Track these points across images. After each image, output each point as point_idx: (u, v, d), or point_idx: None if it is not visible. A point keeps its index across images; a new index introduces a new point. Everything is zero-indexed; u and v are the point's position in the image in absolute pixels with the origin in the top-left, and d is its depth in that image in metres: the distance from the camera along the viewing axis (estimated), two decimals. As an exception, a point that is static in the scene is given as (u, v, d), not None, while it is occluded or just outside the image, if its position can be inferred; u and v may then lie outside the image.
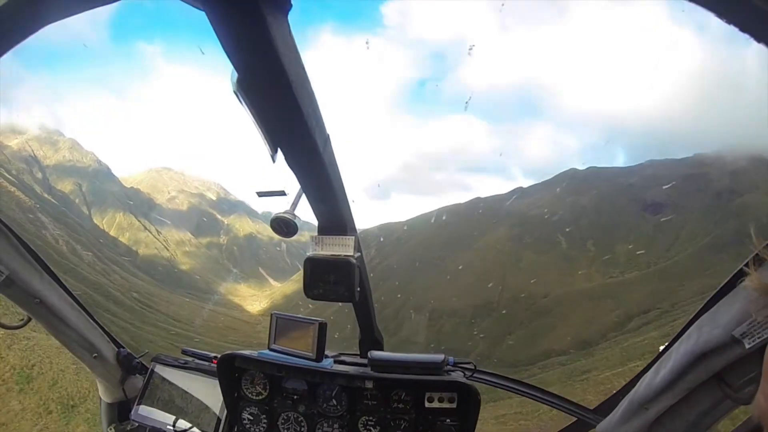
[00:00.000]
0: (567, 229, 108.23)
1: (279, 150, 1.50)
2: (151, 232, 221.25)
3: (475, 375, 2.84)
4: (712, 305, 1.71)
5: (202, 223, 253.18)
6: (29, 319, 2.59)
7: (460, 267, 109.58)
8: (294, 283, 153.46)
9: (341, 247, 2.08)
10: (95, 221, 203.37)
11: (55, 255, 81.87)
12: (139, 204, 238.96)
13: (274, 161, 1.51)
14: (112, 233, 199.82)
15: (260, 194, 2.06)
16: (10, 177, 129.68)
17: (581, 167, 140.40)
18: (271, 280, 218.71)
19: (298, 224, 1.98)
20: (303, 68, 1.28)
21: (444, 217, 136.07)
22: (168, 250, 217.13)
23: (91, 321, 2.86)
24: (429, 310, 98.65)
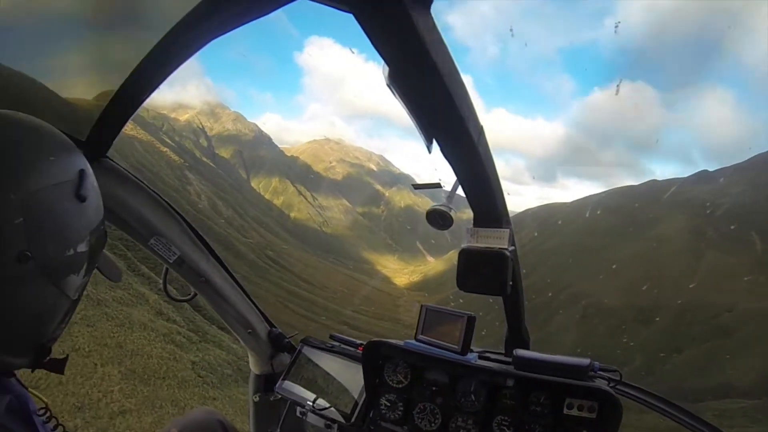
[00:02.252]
0: (764, 227, 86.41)
1: (434, 141, 1.55)
2: (306, 198, 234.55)
3: (620, 386, 2.66)
4: None
5: (361, 192, 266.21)
6: (195, 295, 2.99)
7: (625, 259, 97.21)
8: (448, 261, 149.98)
9: (495, 240, 2.08)
10: (252, 185, 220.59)
11: (191, 209, 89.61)
12: (296, 171, 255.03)
13: (429, 152, 1.55)
14: (267, 196, 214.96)
15: (416, 187, 2.14)
16: (170, 142, 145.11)
17: None
18: (427, 256, 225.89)
19: (453, 216, 2.00)
20: (451, 59, 1.29)
21: (613, 201, 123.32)
22: (321, 216, 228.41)
23: (248, 301, 3.22)
24: (582, 306, 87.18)
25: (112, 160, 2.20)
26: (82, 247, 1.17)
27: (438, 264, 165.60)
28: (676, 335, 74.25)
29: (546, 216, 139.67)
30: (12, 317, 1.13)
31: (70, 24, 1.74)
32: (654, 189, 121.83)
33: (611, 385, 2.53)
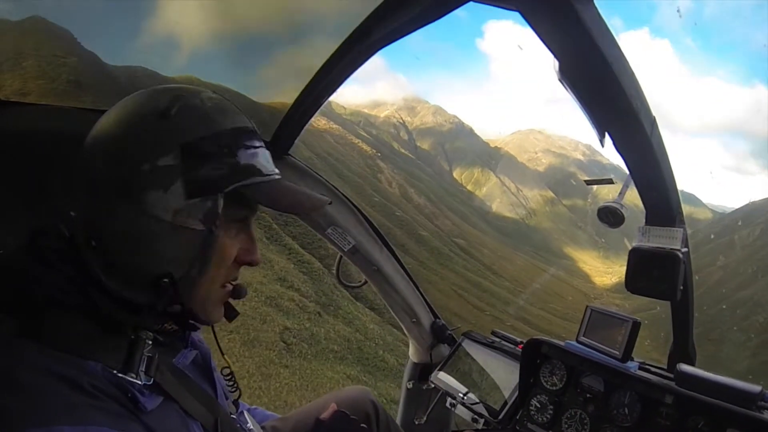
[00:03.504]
0: None
1: (607, 134, 1.57)
2: (509, 189, 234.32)
3: None
4: None
5: (567, 184, 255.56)
6: (365, 282, 3.26)
7: None
8: None
9: (668, 240, 2.04)
10: (454, 176, 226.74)
11: (375, 194, 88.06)
12: (499, 161, 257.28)
13: (602, 145, 1.57)
14: (469, 187, 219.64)
15: (588, 182, 2.26)
16: (366, 135, 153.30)
17: None
18: None
19: (625, 214, 2.03)
20: (620, 50, 1.32)
21: None
22: (524, 207, 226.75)
23: (417, 291, 3.39)
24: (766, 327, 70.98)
25: (294, 158, 2.55)
26: (167, 161, 1.14)
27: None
28: None
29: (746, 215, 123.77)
30: (107, 243, 1.16)
31: (262, 42, 2.18)
32: None
33: None
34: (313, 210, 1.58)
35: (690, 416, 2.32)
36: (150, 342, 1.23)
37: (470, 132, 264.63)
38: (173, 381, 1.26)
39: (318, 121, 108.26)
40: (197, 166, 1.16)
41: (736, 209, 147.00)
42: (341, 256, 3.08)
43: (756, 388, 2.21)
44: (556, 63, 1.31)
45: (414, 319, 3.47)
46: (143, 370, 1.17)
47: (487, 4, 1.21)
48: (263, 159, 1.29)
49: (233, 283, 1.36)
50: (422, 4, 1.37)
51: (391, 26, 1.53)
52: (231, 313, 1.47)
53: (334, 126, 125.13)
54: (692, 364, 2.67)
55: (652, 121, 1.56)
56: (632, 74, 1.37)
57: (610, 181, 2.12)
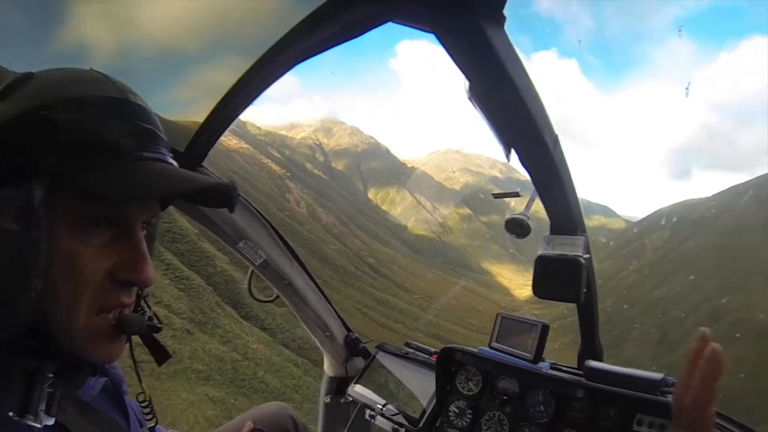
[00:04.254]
0: None
1: (513, 150, 1.68)
2: (425, 207, 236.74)
3: None
4: None
5: (483, 201, 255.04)
6: (277, 296, 3.23)
7: None
8: None
9: (571, 247, 2.19)
10: (369, 196, 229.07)
11: (280, 213, 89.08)
12: (415, 181, 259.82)
13: (508, 160, 1.72)
14: (384, 207, 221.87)
15: (496, 196, 2.41)
16: (278, 155, 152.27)
17: None
18: None
19: (531, 226, 2.19)
20: (526, 73, 1.41)
21: (763, 190, 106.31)
22: (441, 225, 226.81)
23: (328, 305, 3.45)
24: (726, 324, 72.29)
25: (207, 170, 2.53)
26: None
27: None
28: None
29: (681, 215, 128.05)
30: None
31: (175, 58, 2.20)
32: None
33: None
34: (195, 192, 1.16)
35: (601, 407, 2.50)
36: (51, 375, 1.03)
37: (386, 152, 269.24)
38: (78, 418, 1.09)
39: (228, 140, 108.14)
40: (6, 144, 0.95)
41: (647, 216, 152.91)
42: (252, 271, 3.06)
43: (658, 375, 2.44)
44: (467, 83, 1.41)
45: (327, 333, 3.51)
46: (43, 409, 1.00)
47: (404, 25, 1.29)
48: (127, 133, 1.03)
49: (118, 309, 1.10)
50: (340, 24, 1.43)
51: (307, 44, 1.59)
52: (158, 354, 1.40)
53: (245, 146, 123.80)
54: (600, 360, 2.91)
55: (555, 139, 1.67)
56: (537, 95, 1.48)
57: (516, 194, 2.23)
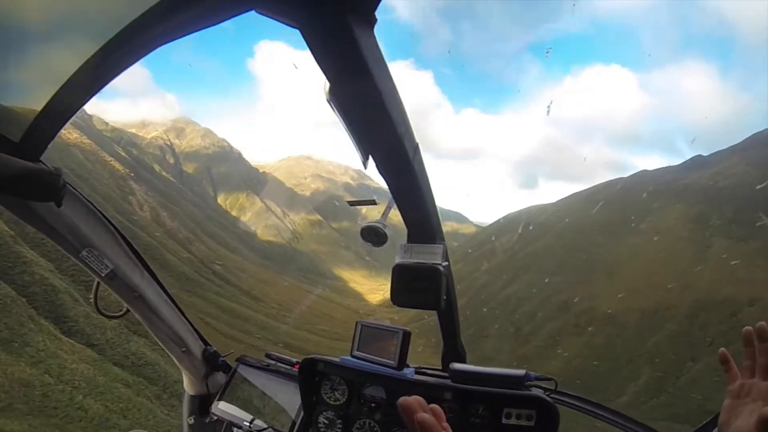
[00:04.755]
0: None
1: (370, 157, 1.63)
2: (275, 213, 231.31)
3: (555, 394, 2.87)
4: None
5: (335, 207, 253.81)
6: (127, 311, 2.96)
7: (621, 256, 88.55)
8: None
9: (429, 255, 2.18)
10: (219, 201, 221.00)
11: (120, 217, 78.50)
12: (267, 186, 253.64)
13: (365, 167, 1.65)
14: (233, 213, 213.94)
15: (351, 203, 2.42)
16: (124, 154, 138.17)
17: None
18: None
19: (388, 233, 2.13)
20: (391, 78, 1.39)
21: (601, 196, 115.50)
22: (291, 232, 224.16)
23: (183, 318, 3.23)
24: (574, 315, 79.06)
25: (46, 165, 2.09)
26: None
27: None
28: (689, 341, 63.87)
29: (529, 219, 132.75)
30: None
31: (10, 36, 1.82)
32: (646, 180, 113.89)
33: (547, 393, 2.72)
34: None
35: (470, 406, 2.60)
36: None
37: (238, 156, 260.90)
38: None
39: (69, 133, 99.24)
40: None
41: (497, 220, 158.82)
42: (99, 282, 2.75)
43: (520, 372, 2.61)
44: (327, 84, 1.34)
45: (184, 349, 3.28)
46: None
47: (268, 17, 1.20)
48: None
49: None
50: (201, 7, 1.32)
51: (163, 27, 1.42)
52: None
53: (87, 141, 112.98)
54: (463, 361, 3.02)
55: (415, 147, 1.65)
56: (400, 101, 1.45)
57: (373, 202, 2.22)
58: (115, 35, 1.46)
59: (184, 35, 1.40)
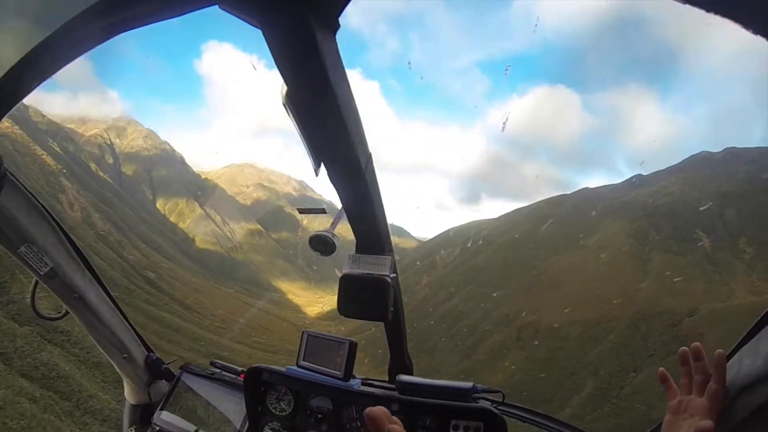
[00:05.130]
0: (708, 223, 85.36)
1: (322, 165, 1.61)
2: (215, 222, 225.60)
3: (502, 406, 2.86)
4: (754, 335, 1.69)
5: (277, 217, 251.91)
6: (66, 313, 2.80)
7: (563, 270, 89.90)
8: None
9: (377, 266, 2.16)
10: (157, 206, 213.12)
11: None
12: (208, 193, 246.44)
13: (317, 175, 1.61)
14: (172, 219, 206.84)
15: (301, 211, 2.37)
16: (59, 151, 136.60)
17: (715, 150, 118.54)
18: None
19: (336, 243, 2.08)
20: (349, 86, 1.38)
21: (543, 212, 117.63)
22: (231, 241, 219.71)
23: (125, 322, 3.08)
24: (516, 328, 79.35)
25: None
26: None
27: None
28: (632, 352, 65.88)
29: (471, 233, 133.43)
30: None
31: None
32: (587, 197, 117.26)
33: (495, 405, 2.69)
34: None
35: (418, 418, 2.60)
36: None
37: (180, 161, 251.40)
38: None
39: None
40: None
41: (438, 235, 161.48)
42: (37, 282, 2.61)
43: (468, 384, 2.62)
44: (285, 88, 1.32)
45: (125, 355, 3.12)
46: None
47: (232, 14, 1.17)
48: None
49: None
50: None
51: (120, 16, 1.32)
52: None
53: (19, 131, 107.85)
54: (410, 373, 3.01)
55: (368, 156, 1.66)
56: (356, 110, 1.45)
57: (323, 211, 2.21)
58: (65, 23, 1.25)
59: (146, 24, 1.32)
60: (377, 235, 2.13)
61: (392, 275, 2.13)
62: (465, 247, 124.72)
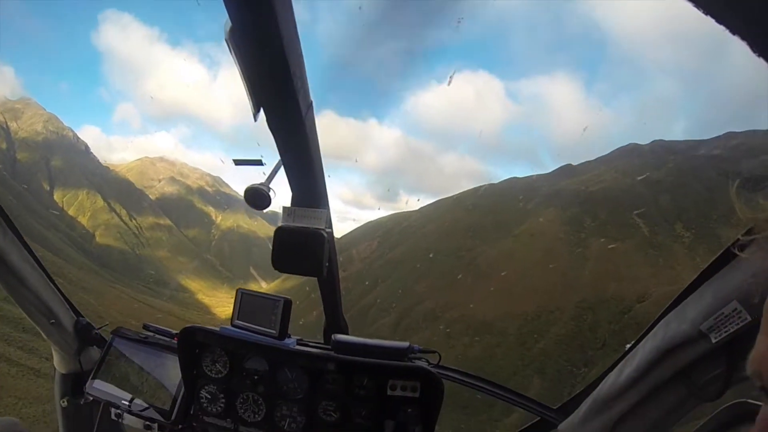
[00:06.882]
0: (643, 210, 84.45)
1: (262, 110, 1.58)
2: (119, 216, 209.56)
3: (439, 368, 2.89)
4: (681, 301, 1.79)
5: (190, 214, 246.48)
6: None
7: (494, 260, 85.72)
8: (280, 284, 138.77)
9: (313, 220, 2.17)
10: (55, 198, 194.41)
11: None
12: (113, 186, 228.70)
13: (255, 120, 1.57)
14: (70, 212, 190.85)
15: (237, 162, 2.19)
16: None
17: (642, 142, 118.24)
18: (261, 281, 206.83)
19: (272, 197, 2.04)
20: (295, 27, 1.37)
21: (470, 201, 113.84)
22: (137, 237, 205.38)
23: (52, 285, 2.93)
24: (444, 323, 74.76)
25: None
26: None
27: (271, 287, 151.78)
28: (580, 344, 64.16)
29: (391, 225, 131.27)
30: None
31: None
32: (516, 186, 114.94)
33: (431, 364, 2.77)
34: None
35: (354, 377, 2.61)
36: None
37: (84, 150, 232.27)
38: None
39: None
40: None
41: (355, 229, 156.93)
42: None
43: (404, 344, 2.68)
44: (229, 24, 1.27)
45: (52, 320, 2.96)
46: None
47: None
48: None
49: None
50: None
51: None
52: None
53: None
54: (346, 333, 3.01)
55: (309, 104, 1.64)
56: (300, 55, 1.43)
57: (259, 163, 2.08)
58: None
59: None
60: (314, 188, 2.11)
61: (328, 229, 2.14)
62: (384, 239, 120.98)
